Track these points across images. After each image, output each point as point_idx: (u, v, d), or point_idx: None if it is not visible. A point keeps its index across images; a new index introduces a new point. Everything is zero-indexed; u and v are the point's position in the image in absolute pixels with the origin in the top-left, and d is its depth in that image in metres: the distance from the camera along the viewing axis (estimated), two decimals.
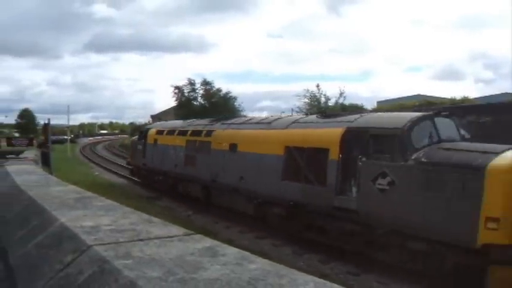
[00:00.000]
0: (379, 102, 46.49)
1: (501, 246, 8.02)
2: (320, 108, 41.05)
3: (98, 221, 2.75)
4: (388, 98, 48.34)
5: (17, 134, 76.78)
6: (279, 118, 15.69)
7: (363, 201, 10.37)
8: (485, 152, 8.80)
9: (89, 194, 4.35)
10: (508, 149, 8.84)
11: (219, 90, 52.64)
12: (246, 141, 15.22)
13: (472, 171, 8.41)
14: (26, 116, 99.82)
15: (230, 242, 11.66)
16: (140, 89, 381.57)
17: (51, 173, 13.34)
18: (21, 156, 17.53)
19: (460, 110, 17.68)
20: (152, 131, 23.75)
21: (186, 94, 52.90)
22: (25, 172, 7.76)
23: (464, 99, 30.84)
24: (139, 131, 30.15)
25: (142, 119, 59.85)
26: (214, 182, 16.67)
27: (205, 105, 50.60)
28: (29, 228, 3.23)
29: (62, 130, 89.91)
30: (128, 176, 28.19)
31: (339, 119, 12.74)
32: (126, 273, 1.71)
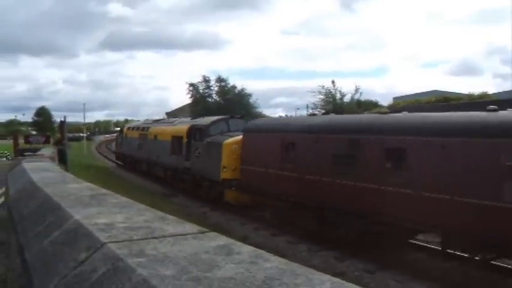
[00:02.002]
0: (395, 98, 46.07)
1: (228, 180, 16.69)
2: (335, 105, 40.86)
3: (112, 218, 2.75)
4: (404, 94, 47.84)
5: (33, 132, 77.72)
6: (176, 119, 26.73)
7: (192, 163, 19.93)
8: (228, 136, 17.69)
9: (104, 191, 4.36)
10: (236, 136, 17.19)
11: (233, 87, 52.61)
12: (160, 133, 25.42)
13: (219, 145, 17.40)
14: (43, 113, 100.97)
15: (245, 239, 11.68)
16: (155, 86, 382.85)
17: (67, 170, 13.45)
18: (38, 153, 17.72)
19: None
20: (125, 128, 35.57)
21: (201, 91, 52.97)
22: (42, 169, 7.82)
23: (483, 95, 30.43)
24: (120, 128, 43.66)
25: (158, 116, 60.04)
26: (149, 159, 26.75)
27: (220, 102, 50.62)
28: (44, 225, 3.24)
29: (78, 127, 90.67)
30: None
31: (195, 120, 22.88)
32: (139, 271, 1.69)
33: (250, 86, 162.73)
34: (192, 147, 19.96)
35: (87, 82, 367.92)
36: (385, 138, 10.89)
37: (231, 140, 17.17)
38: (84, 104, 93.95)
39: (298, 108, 70.55)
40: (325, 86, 41.98)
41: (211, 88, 53.08)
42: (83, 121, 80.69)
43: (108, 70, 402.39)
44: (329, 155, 12.31)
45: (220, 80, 52.87)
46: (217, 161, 17.16)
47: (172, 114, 59.43)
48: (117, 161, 38.76)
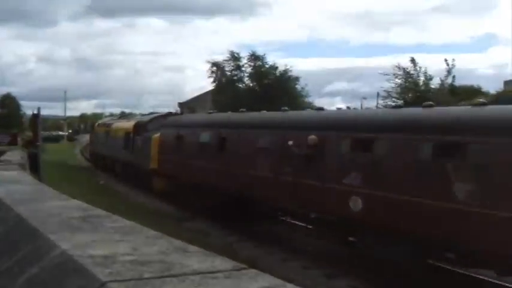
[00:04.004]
0: (507, 83, 45.08)
1: (155, 169, 26.70)
2: (417, 92, 40.14)
3: (113, 248, 2.80)
4: None
5: None
6: (136, 116, 40.77)
7: (134, 155, 31.00)
8: (154, 132, 28.16)
9: (98, 211, 4.44)
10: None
11: (273, 67, 52.43)
12: (118, 130, 36.37)
13: (150, 138, 28.10)
14: (8, 104, 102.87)
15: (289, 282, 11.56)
16: (164, 66, 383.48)
17: (40, 181, 13.72)
18: (2, 158, 18.10)
19: None
20: (95, 125, 49.88)
21: (228, 73, 52.91)
22: (9, 181, 8.00)
23: None
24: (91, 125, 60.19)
25: (167, 108, 60.34)
26: (112, 156, 37.64)
27: (255, 88, 50.51)
28: (17, 257, 3.32)
29: (56, 123, 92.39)
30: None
31: (143, 117, 35.47)
32: None
33: (297, 65, 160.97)
34: (135, 142, 30.70)
35: (70, 61, 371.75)
36: (221, 130, 20.98)
37: (155, 135, 26.62)
38: (65, 92, 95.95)
39: (365, 98, 69.72)
40: (403, 67, 41.25)
41: (243, 69, 53.07)
42: (63, 114, 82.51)
43: (98, 44, 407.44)
44: (197, 144, 22.26)
45: (254, 57, 52.69)
46: (149, 152, 26.85)
47: (188, 104, 59.73)
48: (87, 160, 51.51)
